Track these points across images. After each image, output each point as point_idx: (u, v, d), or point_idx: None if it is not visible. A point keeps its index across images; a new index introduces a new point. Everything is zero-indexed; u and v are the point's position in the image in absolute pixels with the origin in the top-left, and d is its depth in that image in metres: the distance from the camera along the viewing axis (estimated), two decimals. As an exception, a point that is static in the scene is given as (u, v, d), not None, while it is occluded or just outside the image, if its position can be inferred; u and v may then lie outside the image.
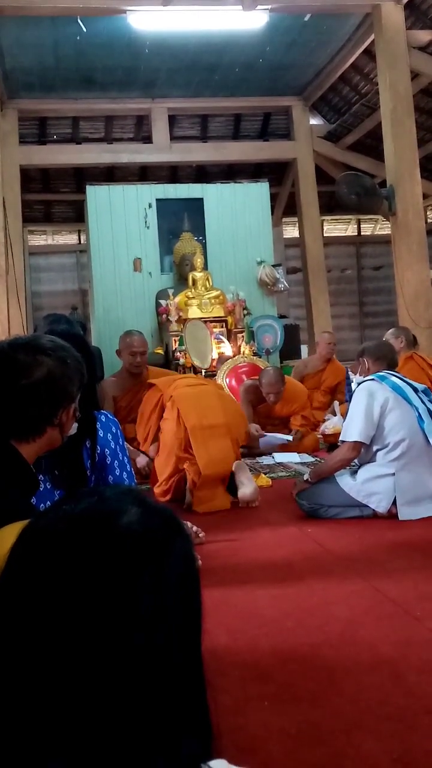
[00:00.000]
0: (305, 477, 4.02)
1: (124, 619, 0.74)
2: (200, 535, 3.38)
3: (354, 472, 3.94)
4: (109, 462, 2.85)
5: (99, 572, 0.75)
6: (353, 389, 4.23)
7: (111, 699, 0.73)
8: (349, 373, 4.36)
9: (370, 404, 3.82)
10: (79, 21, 9.06)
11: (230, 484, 4.30)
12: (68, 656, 0.73)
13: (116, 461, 2.86)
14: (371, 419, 3.80)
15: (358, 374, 4.17)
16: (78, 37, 9.57)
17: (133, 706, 0.73)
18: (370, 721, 1.72)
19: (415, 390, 3.92)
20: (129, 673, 0.73)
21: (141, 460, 4.89)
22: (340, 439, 4.01)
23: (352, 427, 3.84)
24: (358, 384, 4.04)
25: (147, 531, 0.79)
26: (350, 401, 4.19)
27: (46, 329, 3.53)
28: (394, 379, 3.97)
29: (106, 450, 2.84)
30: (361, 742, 1.62)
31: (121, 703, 0.73)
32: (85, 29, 9.24)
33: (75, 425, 1.81)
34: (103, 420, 2.91)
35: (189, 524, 3.38)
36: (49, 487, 2.73)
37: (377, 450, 3.86)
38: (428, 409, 3.85)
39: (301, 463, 5.74)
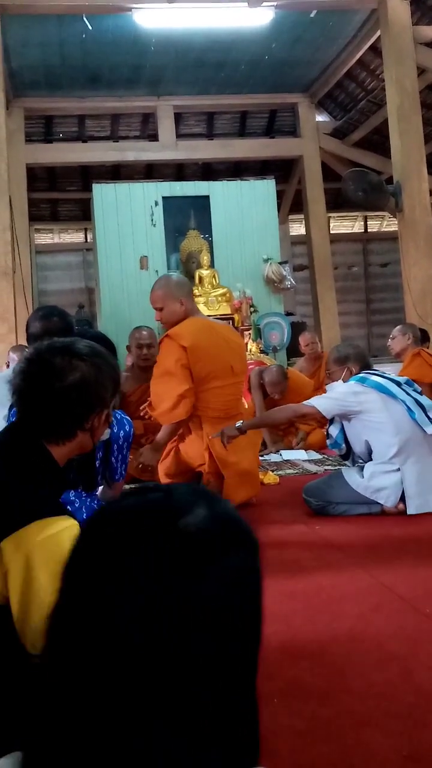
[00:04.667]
0: (237, 424, 4.01)
1: (166, 614, 0.73)
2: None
3: (361, 469, 3.94)
4: (113, 453, 2.92)
5: (152, 563, 0.75)
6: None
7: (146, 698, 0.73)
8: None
9: (345, 395, 3.91)
10: (84, 19, 9.06)
11: None
12: (120, 636, 0.73)
13: (120, 455, 2.99)
14: (341, 406, 3.90)
15: (341, 380, 4.15)
16: (84, 36, 9.56)
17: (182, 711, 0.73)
18: (379, 718, 1.71)
19: (398, 384, 3.94)
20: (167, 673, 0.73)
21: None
22: (305, 402, 4.06)
23: (320, 400, 4.00)
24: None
25: (207, 535, 0.78)
26: None
27: (37, 325, 3.50)
28: (374, 378, 3.99)
29: (114, 445, 2.92)
30: (370, 739, 1.62)
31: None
32: (90, 27, 9.23)
33: (108, 431, 1.83)
34: (118, 418, 2.99)
35: None
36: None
37: (378, 450, 3.87)
38: (415, 400, 3.87)
39: (309, 461, 5.74)
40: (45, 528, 1.35)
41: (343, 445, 4.10)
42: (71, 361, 1.67)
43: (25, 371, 1.67)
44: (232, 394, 4.31)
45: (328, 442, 4.25)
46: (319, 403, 3.97)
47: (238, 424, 4.00)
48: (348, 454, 4.14)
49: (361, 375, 4.02)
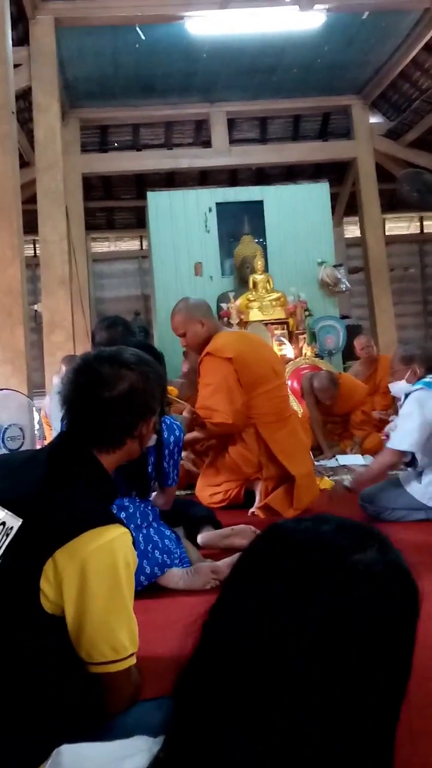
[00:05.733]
0: (345, 483, 3.92)
1: (317, 643, 0.76)
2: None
3: (419, 475, 3.88)
4: (165, 459, 2.94)
5: (317, 592, 0.78)
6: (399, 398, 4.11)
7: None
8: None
9: (424, 416, 3.71)
10: (137, 29, 9.16)
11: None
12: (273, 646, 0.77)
13: (171, 460, 3.01)
14: (425, 431, 3.70)
15: (405, 381, 4.03)
16: (137, 45, 9.67)
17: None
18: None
19: None
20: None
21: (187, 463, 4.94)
22: (388, 445, 3.93)
23: (404, 437, 3.75)
24: (406, 395, 3.93)
25: (374, 577, 0.80)
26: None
27: (103, 335, 3.57)
28: None
29: (165, 450, 2.94)
30: (428, 751, 1.60)
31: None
32: (143, 37, 9.33)
33: (154, 437, 1.85)
34: (168, 423, 3.00)
35: (252, 528, 3.40)
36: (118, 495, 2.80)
37: None
38: None
39: (365, 466, 5.68)
40: (98, 537, 1.37)
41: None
42: (119, 371, 1.69)
43: (73, 381, 1.70)
44: (280, 395, 4.32)
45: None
46: (405, 443, 3.75)
47: (346, 483, 4.00)
48: (413, 461, 4.05)
49: (427, 379, 3.91)
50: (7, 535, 1.39)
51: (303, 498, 4.11)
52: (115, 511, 2.74)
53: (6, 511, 1.43)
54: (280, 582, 0.79)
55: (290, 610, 0.77)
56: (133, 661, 1.43)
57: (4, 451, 4.53)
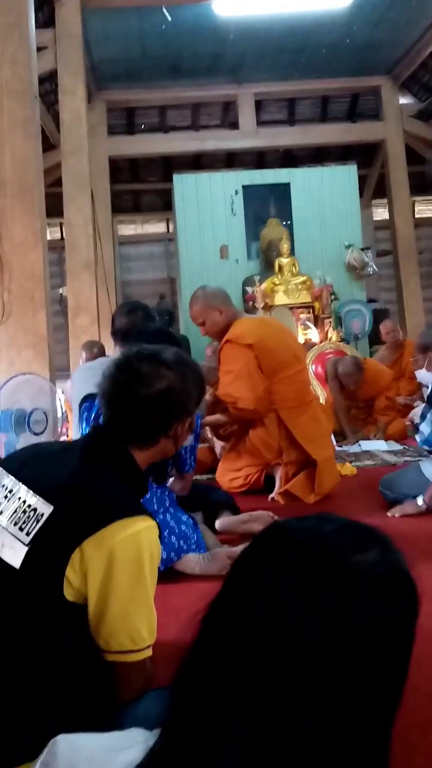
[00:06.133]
0: (419, 502, 3.76)
1: (309, 638, 0.76)
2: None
3: None
4: (183, 446, 2.96)
5: (318, 594, 0.78)
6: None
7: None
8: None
9: None
10: (164, 10, 9.10)
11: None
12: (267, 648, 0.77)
13: (188, 447, 3.00)
14: None
15: (423, 369, 4.00)
16: (163, 26, 9.59)
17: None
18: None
19: None
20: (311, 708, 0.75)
21: (218, 448, 4.94)
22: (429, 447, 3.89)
23: None
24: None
25: (374, 579, 0.80)
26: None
27: (123, 320, 3.58)
28: None
29: None
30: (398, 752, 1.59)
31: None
32: (170, 18, 9.26)
33: (191, 437, 1.86)
34: None
35: (271, 514, 3.39)
36: None
37: None
38: None
39: (389, 451, 5.66)
40: (126, 527, 1.38)
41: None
42: (158, 369, 1.70)
43: (113, 376, 1.71)
44: (301, 380, 4.31)
45: (417, 438, 4.12)
46: None
47: (420, 501, 3.69)
48: None
49: None
50: (38, 521, 1.41)
51: (324, 483, 4.11)
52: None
53: (38, 497, 1.44)
54: (290, 575, 0.79)
55: (298, 607, 0.77)
56: (149, 653, 1.45)
57: (29, 434, 4.57)
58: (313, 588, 0.78)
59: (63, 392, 7.09)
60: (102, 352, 6.27)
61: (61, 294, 12.07)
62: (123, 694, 1.45)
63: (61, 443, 1.76)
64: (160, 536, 1.48)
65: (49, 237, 5.92)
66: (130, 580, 1.37)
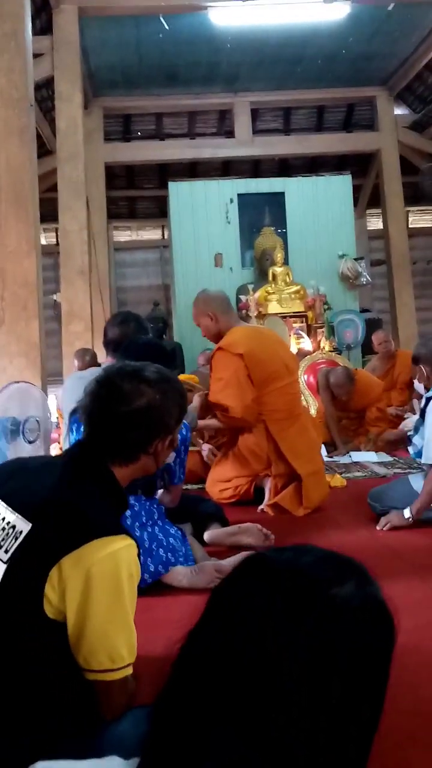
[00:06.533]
0: (406, 514, 3.75)
1: (290, 670, 0.77)
2: (270, 537, 3.38)
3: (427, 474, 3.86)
4: (172, 459, 2.97)
5: (291, 627, 0.79)
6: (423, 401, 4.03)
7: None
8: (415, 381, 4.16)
9: None
10: (161, 19, 9.14)
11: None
12: (247, 674, 0.78)
13: (178, 458, 3.00)
14: None
15: (417, 381, 3.99)
16: (160, 35, 9.66)
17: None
18: (427, 737, 1.69)
19: None
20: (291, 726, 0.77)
21: (205, 451, 4.96)
22: (423, 461, 3.86)
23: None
24: (427, 399, 3.85)
25: (351, 611, 0.81)
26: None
27: (115, 331, 3.59)
28: None
29: None
30: (414, 759, 1.60)
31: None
32: (167, 27, 9.31)
33: (173, 455, 1.87)
34: None
35: (259, 527, 3.40)
36: None
37: None
38: None
39: (379, 463, 5.68)
40: (104, 546, 1.38)
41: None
42: (139, 387, 1.71)
43: (94, 393, 1.72)
44: (291, 393, 4.31)
45: (410, 450, 4.09)
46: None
47: (407, 515, 3.63)
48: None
49: None
50: (16, 538, 1.41)
51: (312, 497, 4.11)
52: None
53: (17, 514, 1.45)
54: (280, 597, 0.80)
55: (287, 629, 0.79)
56: (129, 671, 1.44)
57: (22, 442, 4.58)
58: (300, 612, 0.79)
59: (56, 397, 7.09)
60: (94, 360, 6.28)
61: (54, 300, 12.09)
62: (105, 712, 1.45)
63: (42, 458, 1.77)
64: (139, 555, 1.48)
65: (43, 242, 5.94)
66: (108, 600, 1.37)
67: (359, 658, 0.80)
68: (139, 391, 1.71)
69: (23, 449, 4.57)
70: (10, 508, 1.47)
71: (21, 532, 1.41)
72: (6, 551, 1.41)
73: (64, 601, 1.36)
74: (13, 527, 1.43)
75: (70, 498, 1.49)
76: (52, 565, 1.35)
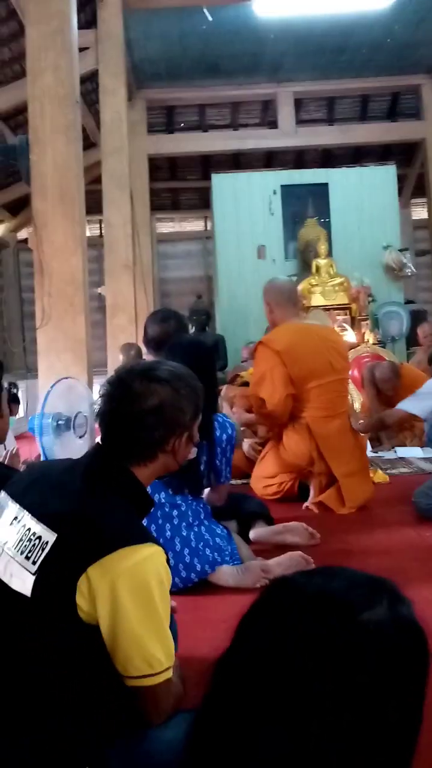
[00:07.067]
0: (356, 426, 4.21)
1: (321, 704, 0.77)
2: (316, 536, 3.39)
3: None
4: (217, 456, 2.99)
5: (323, 652, 0.79)
6: None
7: None
8: None
9: None
10: (205, 11, 9.12)
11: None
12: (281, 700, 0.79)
13: (224, 458, 3.04)
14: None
15: None
16: (204, 27, 9.63)
17: None
18: None
19: None
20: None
21: (245, 447, 4.98)
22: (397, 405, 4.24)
23: (409, 401, 4.22)
24: None
25: (383, 636, 0.81)
26: None
27: (156, 328, 3.64)
28: None
29: (218, 448, 2.99)
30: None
31: None
32: (210, 18, 9.29)
33: (194, 450, 1.87)
34: (220, 421, 3.03)
35: (304, 525, 3.41)
36: (171, 493, 2.85)
37: None
38: None
39: (424, 459, 5.63)
40: (130, 555, 1.39)
41: None
42: (149, 385, 1.71)
43: (106, 395, 1.74)
44: (335, 391, 4.28)
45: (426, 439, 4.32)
46: (410, 406, 4.17)
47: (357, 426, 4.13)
48: None
49: None
50: (43, 549, 1.43)
51: (354, 496, 4.10)
52: (167, 510, 2.80)
53: (42, 525, 1.46)
54: (308, 626, 0.81)
55: (316, 658, 0.79)
56: (169, 674, 1.44)
57: (73, 436, 4.67)
58: (324, 646, 0.79)
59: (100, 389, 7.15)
60: (139, 355, 6.32)
61: (99, 294, 12.19)
62: (151, 717, 1.46)
63: (66, 461, 1.78)
64: (168, 561, 1.48)
65: (88, 234, 5.98)
66: (139, 609, 1.38)
67: (391, 685, 0.79)
68: (150, 390, 1.70)
69: (74, 444, 4.66)
70: (35, 519, 1.49)
71: (47, 543, 1.43)
72: (34, 562, 1.42)
73: (95, 609, 1.37)
74: (39, 538, 1.44)
75: (95, 507, 1.50)
76: (80, 575, 1.37)
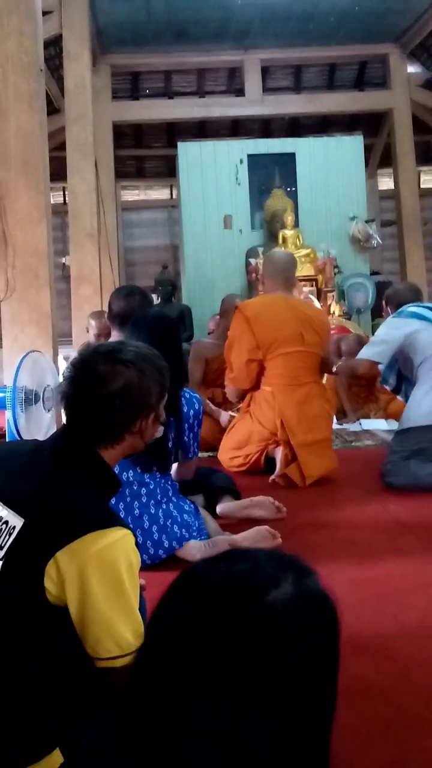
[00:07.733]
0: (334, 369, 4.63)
1: (240, 685, 0.79)
2: (282, 510, 3.41)
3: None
4: (185, 432, 3.00)
5: (237, 637, 0.80)
6: None
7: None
8: None
9: (389, 332, 4.22)
10: (170, -26, 8.96)
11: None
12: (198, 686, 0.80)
13: (191, 433, 3.05)
14: (389, 342, 4.15)
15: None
16: (170, -9, 9.47)
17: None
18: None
19: None
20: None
21: (224, 419, 5.01)
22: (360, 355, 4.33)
23: (369, 347, 4.30)
24: None
25: (292, 613, 0.82)
26: None
27: (121, 303, 3.62)
28: (411, 308, 4.29)
29: (185, 424, 3.00)
30: (430, 747, 1.62)
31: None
32: (177, -18, 9.13)
33: (160, 429, 1.86)
34: (187, 397, 3.03)
35: (271, 499, 3.43)
36: (139, 471, 2.84)
37: (419, 369, 4.07)
38: None
39: (389, 431, 5.69)
40: (98, 540, 1.38)
41: (391, 380, 4.40)
42: (114, 367, 1.69)
43: (71, 378, 1.72)
44: (302, 361, 4.34)
45: (380, 380, 4.52)
46: (368, 352, 4.25)
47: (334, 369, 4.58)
48: (399, 388, 4.44)
49: (399, 310, 4.34)
50: (10, 534, 1.42)
51: (312, 467, 4.13)
52: (135, 489, 2.79)
53: (9, 509, 1.45)
54: (216, 613, 0.82)
55: (227, 643, 0.80)
56: None
57: (41, 410, 4.66)
58: (238, 625, 0.80)
59: (68, 357, 7.08)
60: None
61: (63, 263, 12.05)
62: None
63: (31, 442, 1.76)
64: (137, 542, 1.49)
65: (51, 202, 5.88)
66: (108, 592, 1.38)
67: (305, 657, 0.81)
68: (115, 371, 1.69)
69: (42, 417, 4.66)
70: (1, 503, 1.48)
71: (14, 528, 1.42)
72: (1, 547, 1.41)
73: (64, 593, 1.37)
74: (6, 523, 1.44)
75: (62, 491, 1.50)
76: (48, 560, 1.36)
